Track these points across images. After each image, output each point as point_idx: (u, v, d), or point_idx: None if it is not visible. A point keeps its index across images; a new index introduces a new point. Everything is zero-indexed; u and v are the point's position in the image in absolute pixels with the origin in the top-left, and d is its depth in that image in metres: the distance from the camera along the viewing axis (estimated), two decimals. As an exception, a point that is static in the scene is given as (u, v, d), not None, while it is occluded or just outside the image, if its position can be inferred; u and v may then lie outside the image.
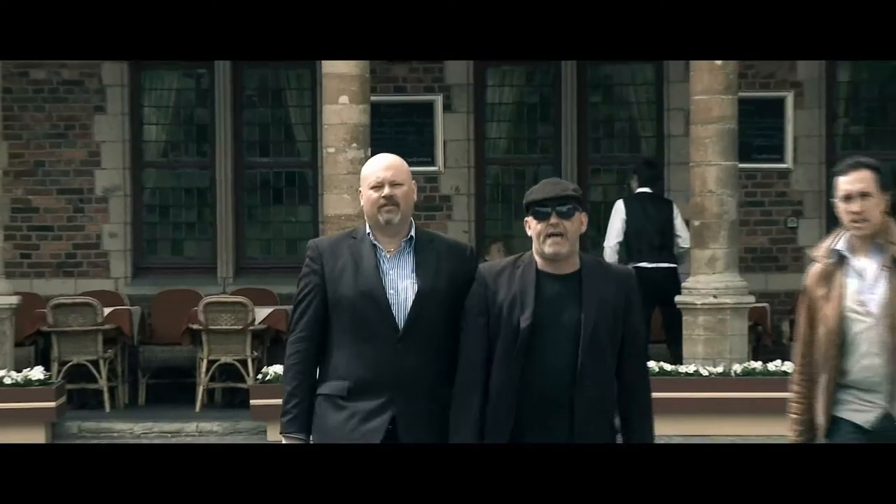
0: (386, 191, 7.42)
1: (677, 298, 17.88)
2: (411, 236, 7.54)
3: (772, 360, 17.83)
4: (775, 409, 17.03)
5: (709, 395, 16.68)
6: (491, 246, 18.99)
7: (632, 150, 21.37)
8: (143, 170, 21.38)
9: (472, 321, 7.31)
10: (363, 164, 18.36)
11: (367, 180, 7.50)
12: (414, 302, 7.38)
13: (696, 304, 17.65)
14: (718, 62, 17.77)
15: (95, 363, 18.65)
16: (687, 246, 18.24)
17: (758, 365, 17.62)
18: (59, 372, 18.39)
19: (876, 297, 7.68)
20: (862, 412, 7.70)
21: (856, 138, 21.25)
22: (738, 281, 17.98)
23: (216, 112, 21.21)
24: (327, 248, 7.57)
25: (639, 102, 21.51)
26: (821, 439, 7.92)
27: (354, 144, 17.05)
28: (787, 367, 17.53)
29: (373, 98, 18.11)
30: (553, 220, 7.17)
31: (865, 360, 7.67)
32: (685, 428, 15.07)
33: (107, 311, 19.08)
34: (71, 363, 18.79)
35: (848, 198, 7.66)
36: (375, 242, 7.48)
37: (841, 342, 7.68)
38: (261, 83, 21.22)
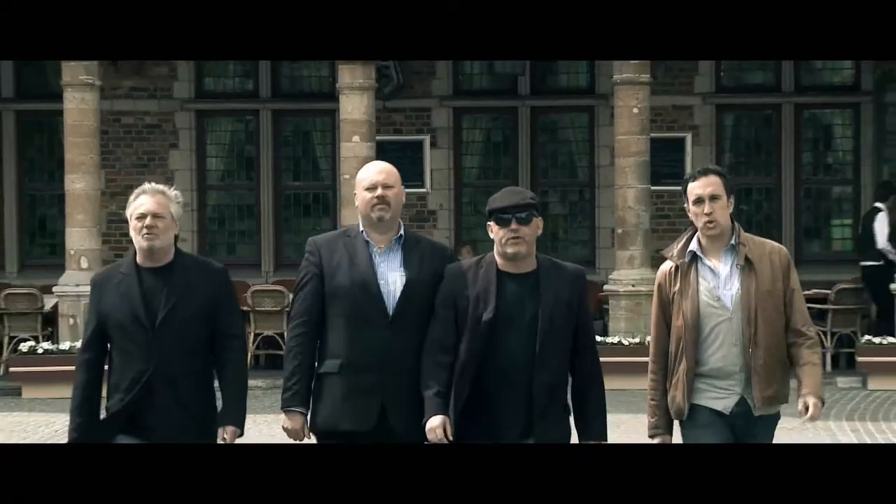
0: (379, 192, 6.64)
1: (605, 287, 17.90)
2: (401, 235, 6.73)
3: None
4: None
5: (629, 359, 16.64)
6: (462, 249, 19.06)
7: (571, 176, 21.41)
8: (206, 191, 21.34)
9: (441, 312, 6.51)
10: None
11: (362, 183, 6.72)
12: (402, 291, 6.57)
13: (619, 292, 17.69)
14: (636, 110, 17.79)
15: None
16: (882, 247, 18.31)
17: (665, 337, 17.62)
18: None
19: (731, 292, 6.68)
20: (720, 399, 6.68)
21: (737, 167, 21.22)
22: (650, 274, 17.93)
23: (261, 148, 21.13)
24: (324, 245, 6.77)
25: (576, 141, 21.41)
26: (675, 422, 6.91)
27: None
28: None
29: (377, 137, 18.20)
30: (513, 225, 6.43)
31: (722, 350, 6.67)
32: (610, 384, 15.05)
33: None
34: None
35: (699, 201, 6.72)
36: (368, 239, 6.69)
37: (698, 334, 6.68)
38: (294, 126, 21.18)
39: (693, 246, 6.80)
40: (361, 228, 6.74)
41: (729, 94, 21.03)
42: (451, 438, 6.35)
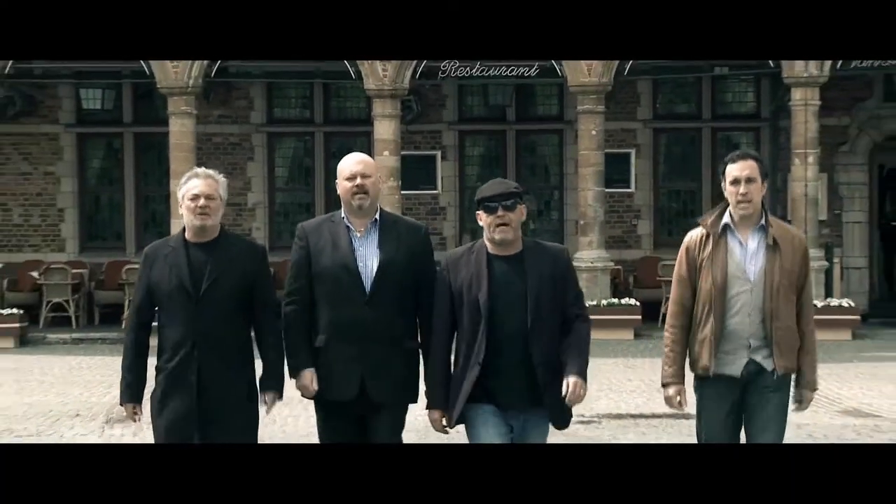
0: (358, 181, 5.68)
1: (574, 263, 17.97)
2: (376, 219, 5.71)
3: (622, 298, 17.94)
4: (622, 324, 17.28)
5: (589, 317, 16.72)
6: (464, 235, 19.11)
7: (545, 182, 21.35)
8: (274, 193, 21.29)
9: (440, 298, 5.54)
10: (397, 193, 18.06)
11: (343, 173, 5.75)
12: (377, 270, 5.58)
13: (581, 267, 17.65)
14: (593, 132, 17.84)
15: (248, 299, 18.60)
16: None
17: (615, 300, 17.71)
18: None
19: (756, 267, 5.60)
20: (731, 364, 5.60)
21: (669, 175, 21.24)
22: (604, 254, 18.08)
23: (315, 160, 21.14)
24: (311, 230, 5.80)
25: (549, 155, 21.34)
26: (687, 383, 5.80)
27: (392, 178, 17.22)
28: (632, 301, 17.67)
29: (402, 152, 18.32)
30: (500, 213, 5.45)
31: (738, 317, 5.59)
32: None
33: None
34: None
35: (736, 182, 5.61)
36: (349, 224, 5.72)
37: (723, 299, 5.61)
38: (340, 144, 21.03)
39: (726, 219, 5.70)
40: (343, 215, 5.78)
41: (663, 120, 21.03)
42: (450, 429, 5.46)
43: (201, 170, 5.82)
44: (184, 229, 5.77)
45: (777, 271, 5.59)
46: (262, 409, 5.76)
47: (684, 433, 9.36)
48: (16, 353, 16.65)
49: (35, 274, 19.21)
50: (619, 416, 11.01)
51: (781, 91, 18.98)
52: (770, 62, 18.06)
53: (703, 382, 5.71)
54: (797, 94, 17.72)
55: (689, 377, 5.83)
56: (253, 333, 5.84)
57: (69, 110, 21.00)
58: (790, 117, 18.05)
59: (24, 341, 17.51)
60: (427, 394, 5.57)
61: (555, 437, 5.63)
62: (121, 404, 5.84)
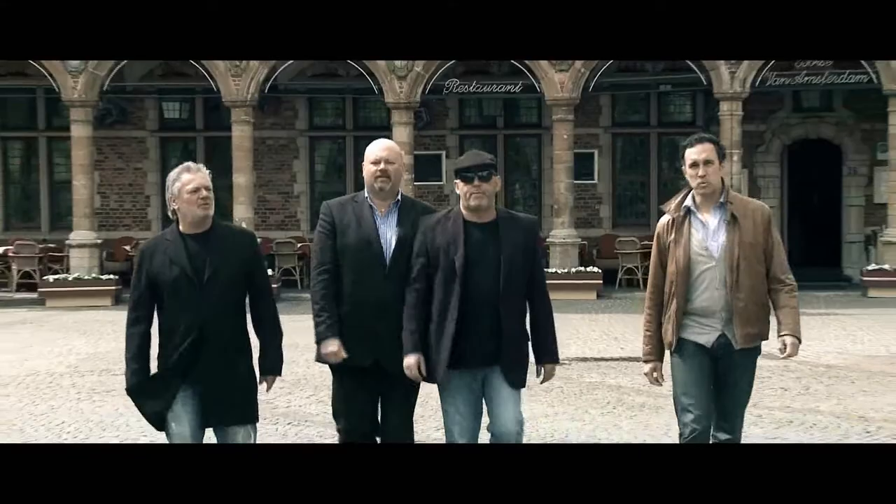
0: (381, 166, 5.00)
1: (547, 240, 17.94)
2: (398, 200, 5.02)
3: (587, 266, 17.94)
4: (587, 287, 17.26)
5: (562, 281, 16.76)
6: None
7: (528, 176, 21.23)
8: (315, 184, 21.23)
9: (416, 261, 4.83)
10: (411, 184, 18.04)
11: (369, 157, 5.09)
12: (395, 247, 4.89)
13: (555, 243, 17.77)
14: (565, 136, 17.79)
15: (294, 267, 18.63)
16: None
17: (581, 268, 17.70)
18: (279, 271, 18.31)
19: (718, 243, 4.80)
20: (703, 335, 4.82)
21: (624, 170, 21.18)
22: (573, 232, 18.08)
23: (346, 159, 21.04)
24: (336, 208, 5.08)
25: (530, 155, 21.31)
26: (666, 352, 4.98)
27: (407, 172, 17.10)
28: (595, 269, 17.66)
29: (415, 153, 18.28)
30: (476, 182, 4.77)
31: (707, 292, 4.79)
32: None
33: (299, 244, 19.11)
34: (283, 268, 18.68)
35: (694, 164, 4.81)
36: (371, 204, 5.00)
37: (688, 278, 4.80)
38: (366, 146, 21.00)
39: (688, 202, 4.91)
40: (367, 195, 5.06)
41: (619, 127, 20.94)
42: (424, 374, 4.79)
43: (192, 164, 4.95)
44: (177, 223, 4.84)
45: (737, 246, 4.78)
46: (262, 388, 4.94)
47: (635, 373, 9.39)
48: (113, 310, 16.73)
49: (127, 248, 19.37)
50: (585, 360, 11.04)
51: (712, 104, 18.98)
52: (703, 81, 18.09)
53: (676, 355, 4.92)
54: (724, 106, 17.77)
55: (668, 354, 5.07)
56: (249, 317, 4.94)
57: (153, 119, 21.06)
58: (719, 124, 18.05)
59: (119, 300, 17.56)
60: (403, 343, 4.81)
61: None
62: (126, 391, 4.93)
